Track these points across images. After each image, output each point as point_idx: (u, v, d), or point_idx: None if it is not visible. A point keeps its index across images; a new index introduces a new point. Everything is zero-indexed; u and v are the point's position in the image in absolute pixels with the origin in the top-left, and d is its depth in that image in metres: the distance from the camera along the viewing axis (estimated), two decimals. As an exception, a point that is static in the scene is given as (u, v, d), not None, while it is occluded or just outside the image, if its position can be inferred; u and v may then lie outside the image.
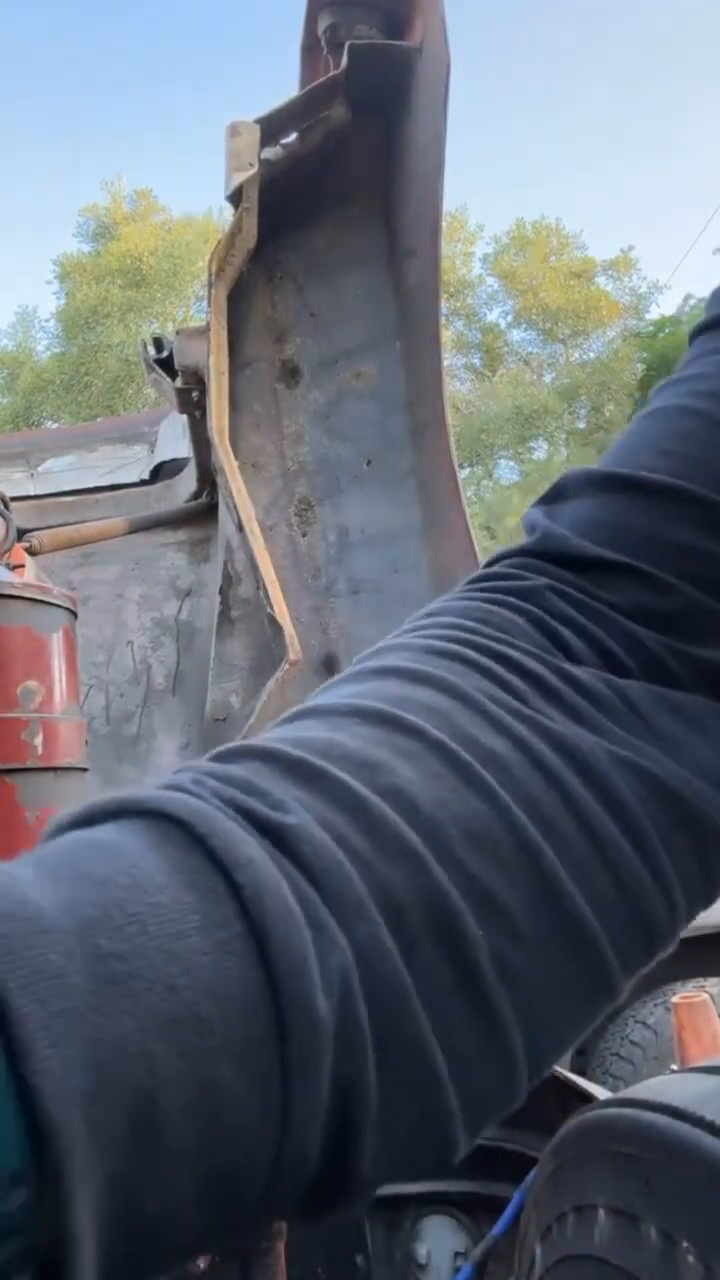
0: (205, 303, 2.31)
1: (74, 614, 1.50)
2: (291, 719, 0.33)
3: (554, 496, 0.42)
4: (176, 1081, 0.21)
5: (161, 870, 0.23)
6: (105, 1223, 0.20)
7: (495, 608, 0.37)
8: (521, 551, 0.40)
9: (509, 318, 22.56)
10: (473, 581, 0.40)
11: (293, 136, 2.27)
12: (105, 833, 0.25)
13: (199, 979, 0.22)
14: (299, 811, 0.26)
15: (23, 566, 2.02)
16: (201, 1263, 0.81)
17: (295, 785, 0.27)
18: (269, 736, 0.30)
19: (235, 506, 2.23)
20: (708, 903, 0.35)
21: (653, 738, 0.34)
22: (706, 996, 1.86)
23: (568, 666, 0.35)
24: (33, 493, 3.15)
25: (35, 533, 2.21)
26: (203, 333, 2.29)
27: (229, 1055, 0.22)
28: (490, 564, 0.41)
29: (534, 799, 0.30)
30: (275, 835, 0.25)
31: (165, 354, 2.54)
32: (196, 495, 2.76)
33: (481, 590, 0.39)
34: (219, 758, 0.29)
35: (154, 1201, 0.21)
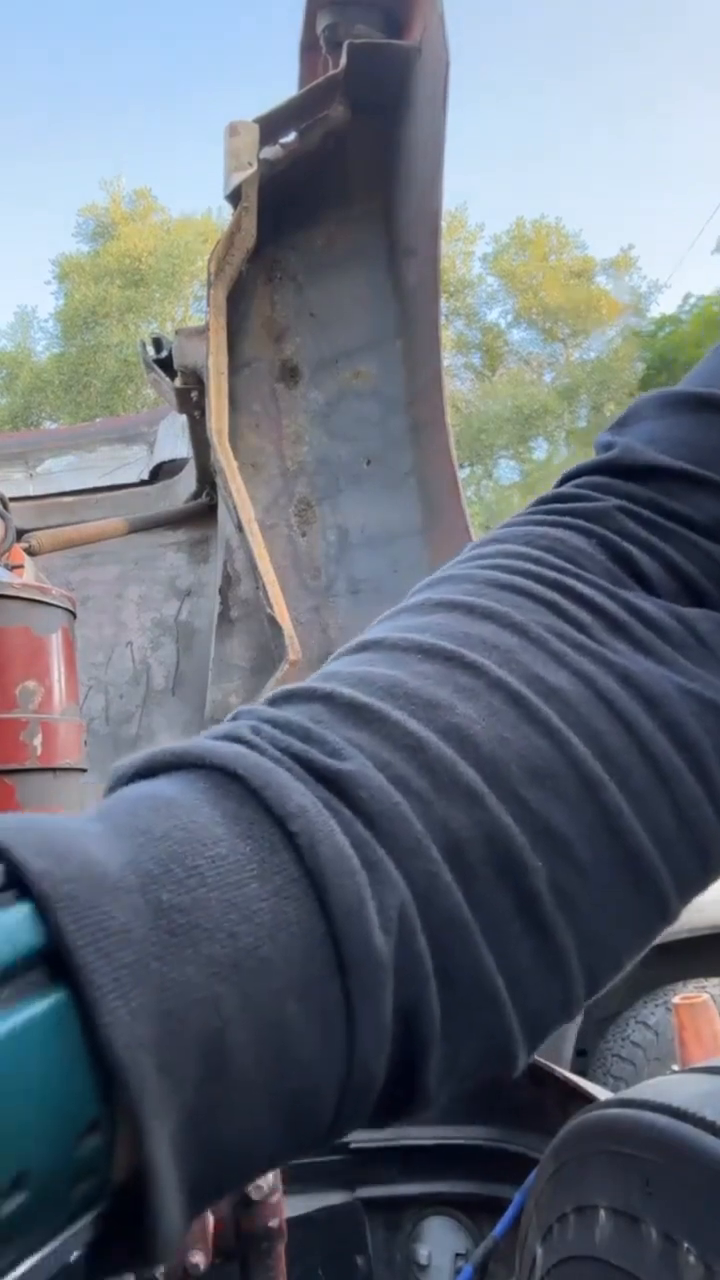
0: (204, 303, 2.31)
1: (73, 614, 1.50)
2: (355, 650, 0.33)
3: (625, 419, 0.41)
4: (243, 1020, 0.22)
5: (219, 823, 0.24)
6: (184, 1152, 0.21)
7: (563, 532, 0.36)
8: (593, 469, 0.39)
9: (509, 317, 22.56)
10: (542, 501, 0.39)
11: (292, 136, 2.27)
12: (165, 786, 0.25)
13: (259, 924, 0.23)
14: (356, 756, 0.27)
15: (21, 567, 2.01)
16: (201, 1263, 0.81)
17: (354, 728, 0.28)
18: (331, 671, 0.31)
19: (235, 507, 2.23)
20: None
21: None
22: (707, 997, 1.86)
23: (634, 599, 0.34)
24: (32, 493, 3.15)
25: (34, 533, 2.21)
26: (202, 333, 2.29)
27: (292, 993, 0.23)
28: (561, 483, 0.40)
29: (597, 733, 0.30)
30: (332, 782, 0.26)
31: (164, 354, 2.54)
32: (196, 495, 2.76)
33: (550, 513, 0.38)
34: (280, 700, 0.30)
35: (230, 1130, 0.22)
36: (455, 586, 0.35)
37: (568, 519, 0.37)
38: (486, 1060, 0.28)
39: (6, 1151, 0.18)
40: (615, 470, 0.38)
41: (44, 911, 0.20)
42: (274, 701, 0.30)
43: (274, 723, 0.28)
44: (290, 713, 0.28)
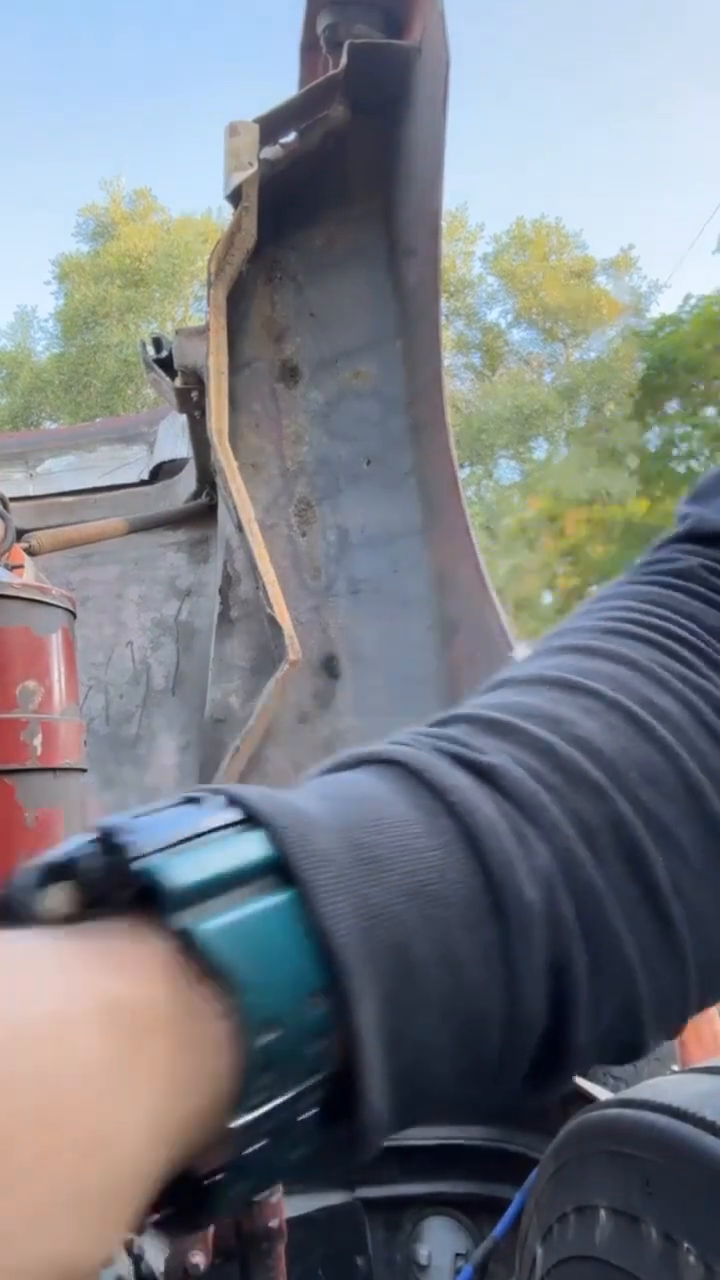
0: (204, 302, 2.31)
1: (73, 614, 1.50)
2: (490, 689, 0.39)
3: (698, 494, 0.48)
4: (421, 935, 0.27)
5: (393, 794, 0.30)
6: (383, 1037, 0.26)
7: (661, 590, 0.42)
8: (675, 538, 0.46)
9: (509, 317, 22.53)
10: (638, 567, 0.46)
11: (292, 136, 2.27)
12: (351, 774, 0.32)
13: (430, 867, 0.28)
14: (499, 755, 0.32)
15: (21, 567, 2.01)
16: (201, 1263, 0.81)
17: (495, 737, 0.33)
18: (473, 701, 0.37)
19: (235, 507, 2.23)
20: None
21: None
22: (707, 996, 1.86)
23: None
24: (32, 493, 3.15)
25: (34, 533, 2.21)
26: (202, 332, 2.29)
27: (460, 924, 0.28)
28: (654, 550, 0.47)
29: (701, 752, 0.35)
30: (480, 772, 0.31)
31: (164, 354, 2.53)
32: (196, 495, 2.76)
33: (647, 574, 0.44)
34: (433, 724, 0.36)
35: (416, 1032, 0.27)
36: (573, 635, 0.41)
37: (662, 577, 0.43)
38: (621, 1025, 0.32)
39: (263, 997, 0.24)
40: (694, 537, 0.45)
41: (272, 838, 0.27)
42: (430, 725, 0.36)
43: (430, 735, 0.34)
44: (444, 729, 0.34)
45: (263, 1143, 0.25)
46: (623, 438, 19.07)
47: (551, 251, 22.40)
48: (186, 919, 0.24)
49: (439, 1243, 1.23)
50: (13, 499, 2.02)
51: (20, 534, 2.03)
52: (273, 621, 2.16)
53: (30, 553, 2.12)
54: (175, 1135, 0.23)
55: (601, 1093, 1.04)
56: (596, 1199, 0.54)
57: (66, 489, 3.17)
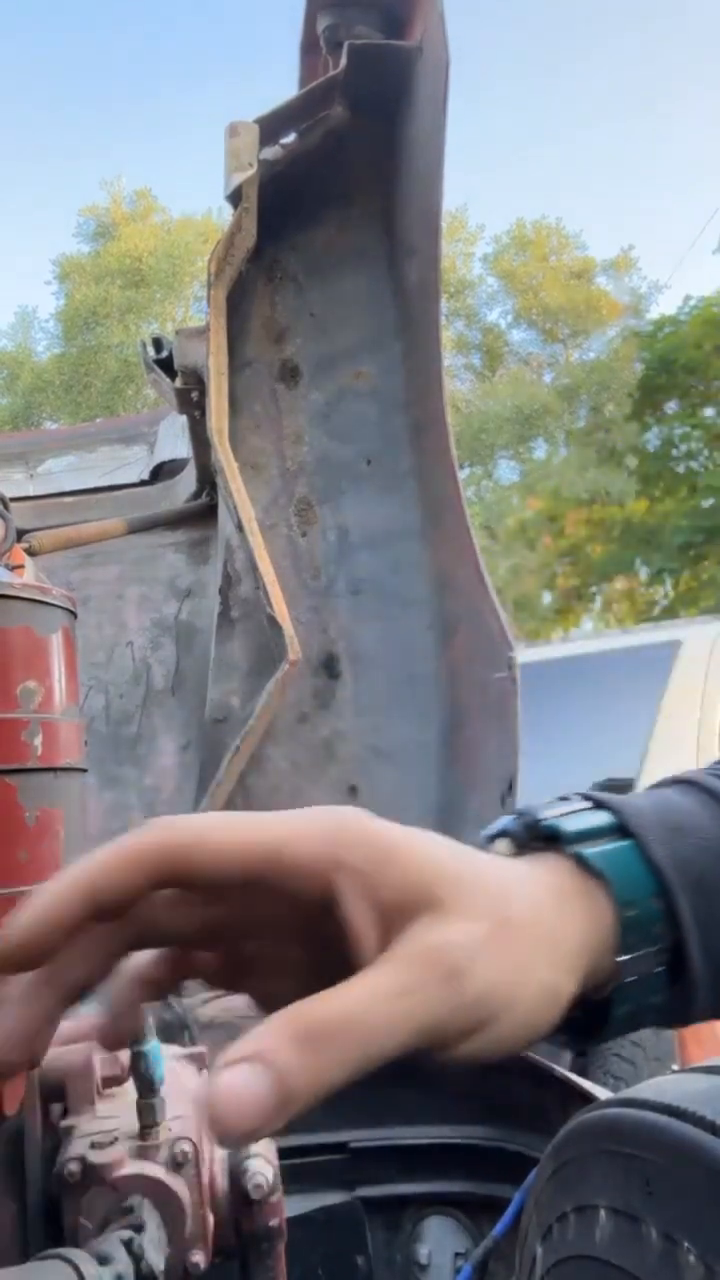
0: (204, 303, 2.31)
1: (74, 614, 1.50)
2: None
3: None
4: (711, 874, 0.43)
5: (684, 798, 0.47)
6: (696, 924, 0.42)
7: None
8: None
9: (509, 318, 22.50)
10: None
11: (292, 136, 2.27)
12: (659, 790, 0.49)
13: (712, 837, 0.44)
14: None
15: (22, 567, 2.01)
16: (201, 1263, 0.81)
17: None
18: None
19: (235, 507, 2.23)
20: None
21: None
22: (707, 996, 1.86)
23: None
24: (32, 493, 3.15)
25: (34, 533, 2.21)
26: (202, 333, 2.29)
27: None
28: None
29: None
30: None
31: (164, 354, 2.53)
32: (196, 495, 2.76)
33: None
34: (711, 766, 0.52)
35: (717, 926, 0.42)
36: None
37: None
38: None
39: (624, 889, 0.42)
40: None
41: (615, 815, 0.44)
42: (708, 767, 0.52)
43: (709, 770, 0.50)
44: (716, 766, 0.51)
45: (634, 978, 0.41)
46: (622, 438, 19.06)
47: (551, 252, 22.37)
48: (578, 849, 0.42)
49: (439, 1243, 1.23)
50: (13, 499, 2.02)
51: (21, 534, 2.03)
52: (273, 621, 2.16)
53: (30, 553, 2.12)
54: (588, 954, 0.40)
55: (601, 1093, 1.04)
56: (596, 1199, 0.54)
57: (67, 489, 3.17)
